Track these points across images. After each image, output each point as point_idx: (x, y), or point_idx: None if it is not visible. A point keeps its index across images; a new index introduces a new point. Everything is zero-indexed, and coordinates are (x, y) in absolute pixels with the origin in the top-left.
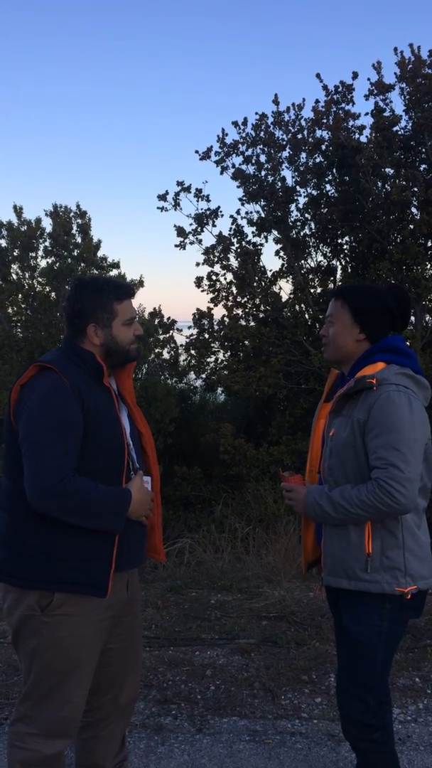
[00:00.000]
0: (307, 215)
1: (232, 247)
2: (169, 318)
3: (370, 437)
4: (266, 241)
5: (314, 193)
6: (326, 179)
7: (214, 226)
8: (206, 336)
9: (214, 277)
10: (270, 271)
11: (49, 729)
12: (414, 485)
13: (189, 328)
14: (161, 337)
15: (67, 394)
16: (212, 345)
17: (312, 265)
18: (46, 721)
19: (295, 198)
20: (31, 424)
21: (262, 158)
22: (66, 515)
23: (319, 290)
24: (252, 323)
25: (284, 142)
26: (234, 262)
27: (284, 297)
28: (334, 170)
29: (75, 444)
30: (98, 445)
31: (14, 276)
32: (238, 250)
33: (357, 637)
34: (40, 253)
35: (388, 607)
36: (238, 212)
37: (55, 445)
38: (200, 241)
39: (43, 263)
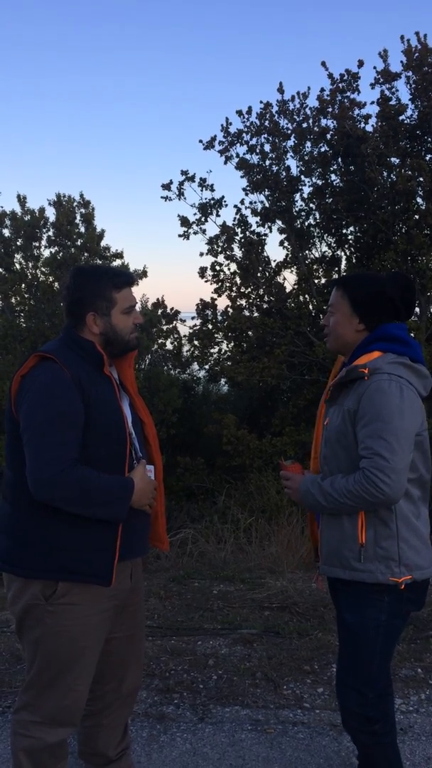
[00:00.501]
0: (311, 205)
1: (236, 237)
2: (172, 308)
3: (359, 426)
4: (270, 231)
5: (319, 182)
6: (331, 169)
7: (218, 215)
8: (210, 326)
9: (217, 267)
10: (274, 261)
11: (52, 717)
12: (400, 475)
13: (192, 318)
14: (164, 327)
15: (68, 384)
16: (216, 335)
17: (316, 255)
18: (49, 709)
19: (300, 188)
20: (31, 414)
21: (267, 147)
22: (68, 505)
23: (323, 281)
24: (256, 314)
25: (289, 131)
26: (238, 252)
27: (288, 287)
28: (339, 160)
29: (76, 434)
30: (100, 434)
31: (18, 266)
32: (242, 240)
33: (355, 629)
34: (44, 242)
35: (386, 599)
36: (242, 202)
37: (55, 435)
38: (204, 231)
39: (46, 253)
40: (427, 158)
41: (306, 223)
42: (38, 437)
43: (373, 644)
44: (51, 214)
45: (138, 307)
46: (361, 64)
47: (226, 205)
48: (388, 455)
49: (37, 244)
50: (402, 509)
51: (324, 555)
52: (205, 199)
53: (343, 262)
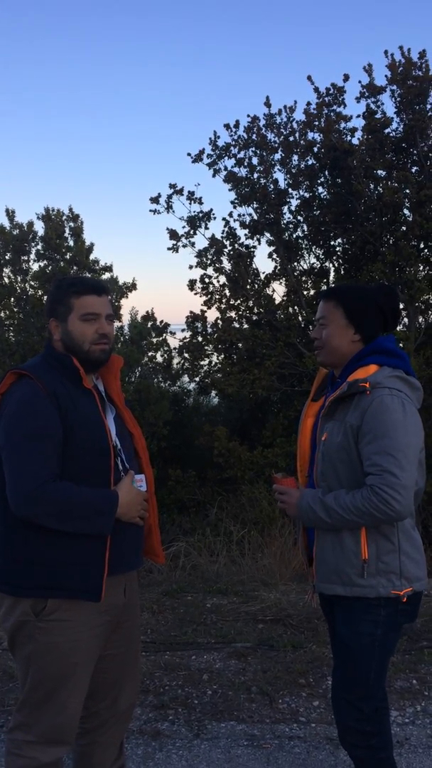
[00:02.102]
0: (299, 217)
1: (225, 250)
2: (162, 321)
3: (364, 443)
4: (259, 244)
5: (306, 195)
6: (318, 181)
7: (206, 228)
8: (200, 339)
9: (207, 280)
10: (263, 273)
11: (46, 736)
12: (409, 491)
13: (182, 330)
14: (154, 340)
15: (43, 400)
16: (206, 348)
17: (305, 267)
18: (43, 728)
19: (288, 200)
20: (8, 432)
21: (254, 161)
22: (49, 520)
23: (312, 292)
24: (245, 325)
25: (276, 145)
26: (227, 265)
27: (277, 299)
28: (327, 172)
29: (54, 449)
30: (81, 447)
31: (6, 280)
32: (231, 252)
33: (351, 643)
34: (33, 256)
35: (383, 613)
36: (230, 215)
37: (32, 452)
38: (193, 244)
39: (35, 267)
40: (413, 170)
41: (294, 236)
42: (16, 454)
43: (369, 658)
44: (40, 228)
45: (126, 319)
46: (346, 78)
47: (215, 218)
48: (398, 471)
49: (25, 258)
50: (403, 523)
51: (321, 572)
52: (194, 212)
53: (332, 274)
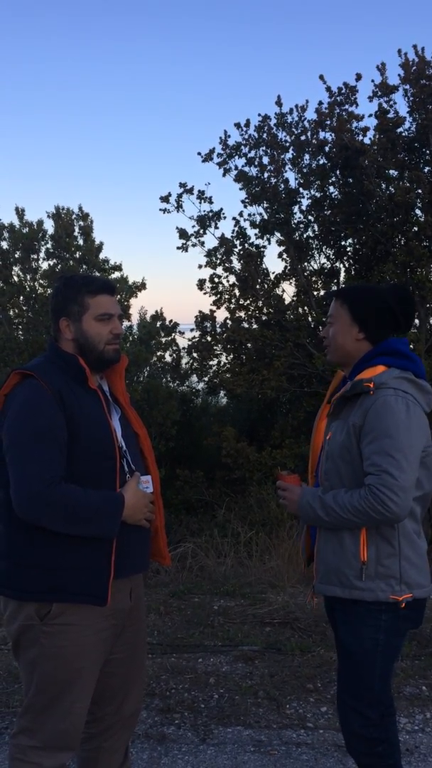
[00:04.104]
0: (310, 217)
1: (235, 249)
2: (171, 320)
3: (365, 442)
4: (269, 243)
5: (317, 195)
6: (330, 181)
7: (216, 228)
8: (209, 338)
9: (216, 280)
10: (273, 273)
11: (51, 742)
12: (408, 493)
13: (191, 330)
14: (163, 339)
15: (48, 401)
16: (215, 347)
17: (315, 267)
18: (47, 733)
19: (298, 200)
20: (12, 433)
21: (265, 160)
22: (54, 523)
23: (322, 293)
24: (255, 326)
25: (287, 144)
26: (237, 265)
27: (287, 299)
28: (338, 172)
29: (60, 450)
30: (86, 449)
31: (16, 278)
32: (241, 252)
33: (353, 649)
34: (42, 255)
35: (384, 618)
36: (240, 214)
37: (37, 453)
38: (203, 244)
39: (44, 265)
40: (426, 170)
41: (305, 235)
42: (20, 456)
43: (372, 664)
44: (49, 226)
45: (135, 318)
46: (359, 77)
47: (225, 218)
48: (397, 473)
49: (35, 257)
50: (405, 527)
51: (321, 573)
52: (204, 211)
53: (342, 274)
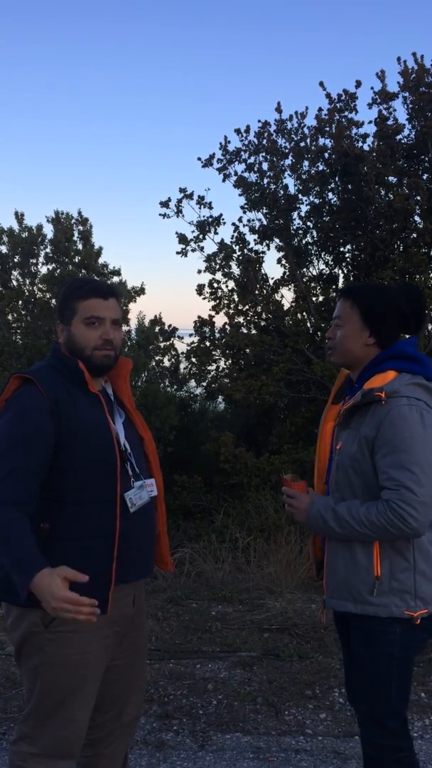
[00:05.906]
0: (309, 223)
1: (234, 255)
2: (170, 325)
3: (380, 455)
4: (268, 249)
5: (316, 201)
6: (329, 187)
7: (216, 233)
8: (207, 344)
9: (215, 285)
10: (272, 279)
11: (52, 749)
12: (427, 508)
13: (190, 335)
14: (162, 344)
15: (39, 409)
16: (213, 353)
17: (314, 273)
18: (48, 740)
19: (298, 206)
20: None
21: (265, 166)
22: None
23: (321, 298)
24: (253, 331)
25: (287, 150)
26: (236, 270)
27: (286, 305)
28: (337, 178)
29: (30, 469)
30: (84, 452)
31: (15, 282)
32: (240, 257)
33: (368, 664)
34: (41, 259)
35: (398, 631)
36: (240, 220)
37: (4, 468)
38: (202, 249)
39: (43, 270)
40: (425, 177)
41: (303, 241)
42: None
43: (389, 678)
44: (49, 231)
45: (134, 323)
46: (358, 84)
47: (224, 223)
48: (416, 488)
49: (34, 261)
50: (421, 540)
51: (331, 587)
52: (203, 216)
53: (341, 280)
